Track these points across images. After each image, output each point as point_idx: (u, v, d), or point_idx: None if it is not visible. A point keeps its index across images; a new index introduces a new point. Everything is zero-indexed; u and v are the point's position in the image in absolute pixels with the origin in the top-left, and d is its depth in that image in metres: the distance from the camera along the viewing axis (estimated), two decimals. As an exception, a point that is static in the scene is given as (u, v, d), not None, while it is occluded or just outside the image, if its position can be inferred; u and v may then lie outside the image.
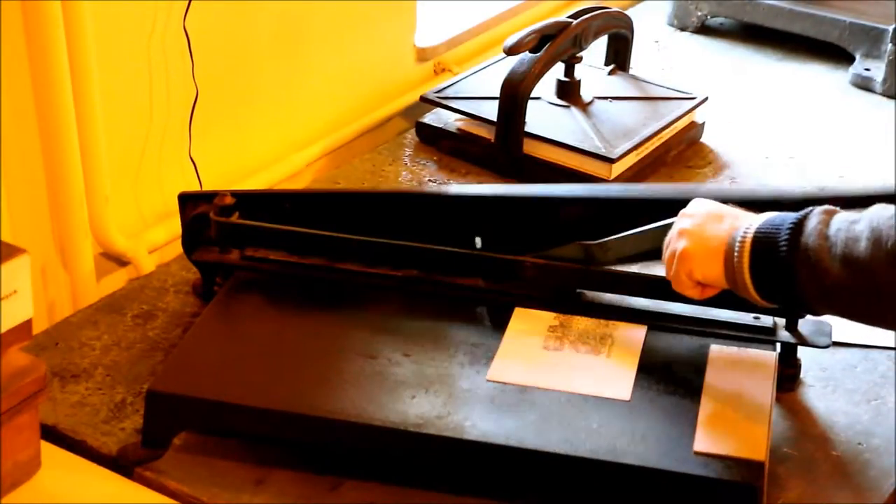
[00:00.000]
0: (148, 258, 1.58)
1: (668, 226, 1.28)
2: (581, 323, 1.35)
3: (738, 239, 1.19)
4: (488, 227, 1.44)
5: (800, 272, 1.15)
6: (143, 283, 1.51)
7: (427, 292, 1.39)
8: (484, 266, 1.39)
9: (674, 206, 1.30)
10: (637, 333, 1.33)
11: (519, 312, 1.36)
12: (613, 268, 1.41)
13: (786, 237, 1.15)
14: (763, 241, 1.17)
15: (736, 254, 1.19)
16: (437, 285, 1.40)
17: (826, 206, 1.17)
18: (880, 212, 1.12)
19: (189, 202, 1.44)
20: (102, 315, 1.44)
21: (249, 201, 1.44)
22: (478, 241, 1.43)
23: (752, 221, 1.20)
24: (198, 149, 1.63)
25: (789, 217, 1.17)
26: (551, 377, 1.27)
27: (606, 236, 1.37)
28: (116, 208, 1.54)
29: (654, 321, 1.35)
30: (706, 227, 1.23)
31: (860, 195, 1.33)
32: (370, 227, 1.42)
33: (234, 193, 1.43)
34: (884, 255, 1.09)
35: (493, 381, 1.26)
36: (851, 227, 1.12)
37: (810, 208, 1.17)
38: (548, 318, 1.36)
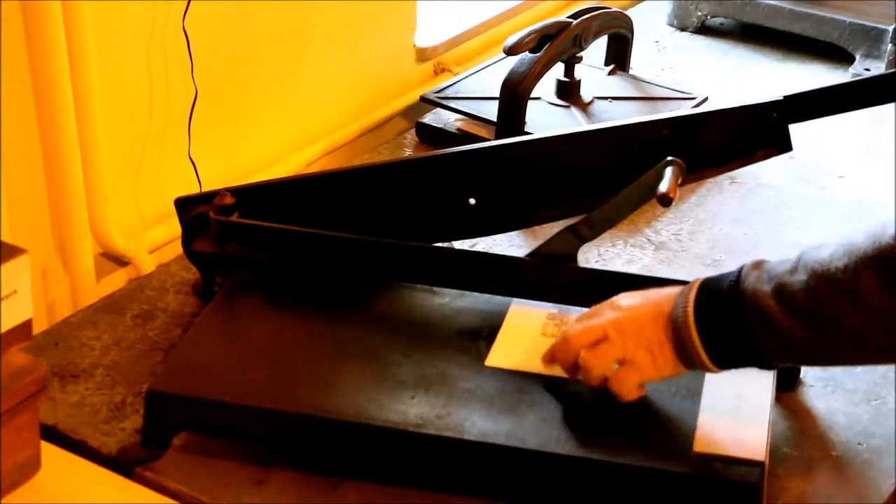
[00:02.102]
0: (148, 258, 1.58)
1: (641, 182, 1.29)
2: (579, 315, 1.35)
3: (680, 319, 1.17)
4: (481, 185, 1.42)
5: (758, 339, 1.14)
6: (143, 283, 1.51)
7: (427, 292, 1.39)
8: (483, 266, 1.39)
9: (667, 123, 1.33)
10: None
11: (515, 311, 1.36)
12: (614, 268, 1.41)
13: (728, 307, 1.14)
14: (707, 312, 1.16)
15: (685, 338, 1.16)
16: (437, 285, 1.40)
17: (754, 261, 1.16)
18: (813, 255, 1.11)
19: (186, 206, 1.44)
20: (102, 315, 1.44)
21: (245, 195, 1.43)
22: (471, 200, 1.42)
23: (685, 298, 1.17)
24: (197, 149, 1.63)
25: (723, 286, 1.16)
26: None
27: (599, 172, 1.36)
28: (116, 208, 1.54)
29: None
30: (644, 330, 1.19)
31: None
32: (366, 201, 1.42)
33: (231, 190, 1.43)
34: (847, 299, 1.08)
35: (492, 367, 1.27)
36: (792, 278, 1.11)
37: (740, 267, 1.16)
38: (545, 313, 1.36)
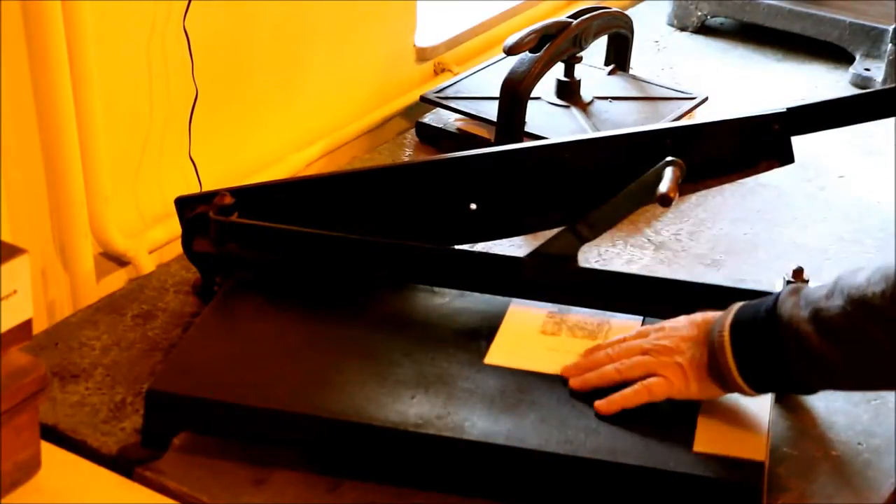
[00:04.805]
0: (148, 258, 1.58)
1: (641, 182, 1.29)
2: (578, 314, 1.36)
3: (716, 342, 1.18)
4: (482, 190, 1.42)
5: (793, 363, 1.15)
6: (143, 283, 1.51)
7: (427, 292, 1.39)
8: (483, 265, 1.39)
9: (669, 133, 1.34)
10: (634, 323, 1.34)
11: (514, 309, 1.36)
12: (614, 268, 1.41)
13: (764, 331, 1.16)
14: (743, 336, 1.17)
15: (720, 360, 1.18)
16: (436, 285, 1.40)
17: (792, 286, 1.18)
18: (849, 280, 1.12)
19: (186, 205, 1.44)
20: (102, 315, 1.44)
21: (245, 196, 1.43)
22: (472, 206, 1.42)
23: (721, 323, 1.19)
24: (197, 149, 1.63)
25: (760, 312, 1.17)
26: (549, 361, 1.28)
27: (601, 180, 1.37)
28: (116, 208, 1.54)
29: (654, 319, 1.35)
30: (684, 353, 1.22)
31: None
32: (366, 205, 1.42)
33: (231, 190, 1.42)
34: (885, 325, 1.09)
35: (492, 366, 1.27)
36: (828, 303, 1.12)
37: (778, 293, 1.18)
38: (544, 311, 1.36)
